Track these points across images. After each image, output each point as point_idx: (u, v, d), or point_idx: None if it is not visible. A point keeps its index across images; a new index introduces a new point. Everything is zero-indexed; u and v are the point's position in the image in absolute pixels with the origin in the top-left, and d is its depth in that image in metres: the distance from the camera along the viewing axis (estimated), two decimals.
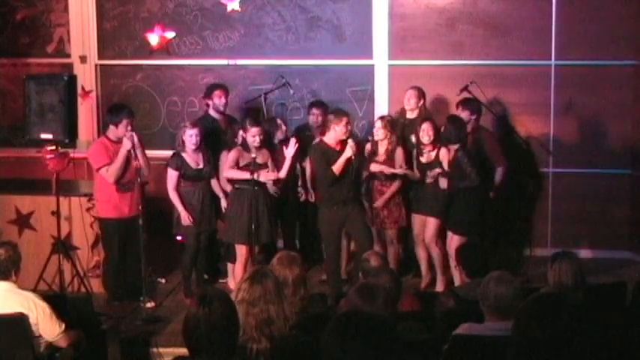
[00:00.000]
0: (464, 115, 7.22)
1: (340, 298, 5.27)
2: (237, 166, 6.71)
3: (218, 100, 7.52)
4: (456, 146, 6.81)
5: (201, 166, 6.85)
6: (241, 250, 6.77)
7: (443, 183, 6.80)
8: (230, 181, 6.86)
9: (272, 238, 6.94)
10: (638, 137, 8.06)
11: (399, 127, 7.43)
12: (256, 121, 6.95)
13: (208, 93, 7.63)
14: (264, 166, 6.74)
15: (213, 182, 7.00)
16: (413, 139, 7.18)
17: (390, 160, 7.03)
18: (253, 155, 6.64)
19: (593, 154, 8.17)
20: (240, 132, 6.86)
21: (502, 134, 7.91)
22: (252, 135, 6.67)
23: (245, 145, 6.75)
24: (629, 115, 8.10)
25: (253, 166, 6.61)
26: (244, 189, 6.70)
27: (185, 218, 6.74)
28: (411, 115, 7.47)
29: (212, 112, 7.56)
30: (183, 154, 6.79)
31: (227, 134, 7.31)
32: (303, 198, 7.40)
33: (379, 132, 7.02)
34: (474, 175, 6.71)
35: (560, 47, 8.09)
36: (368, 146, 7.16)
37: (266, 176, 6.70)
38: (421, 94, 7.48)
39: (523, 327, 2.52)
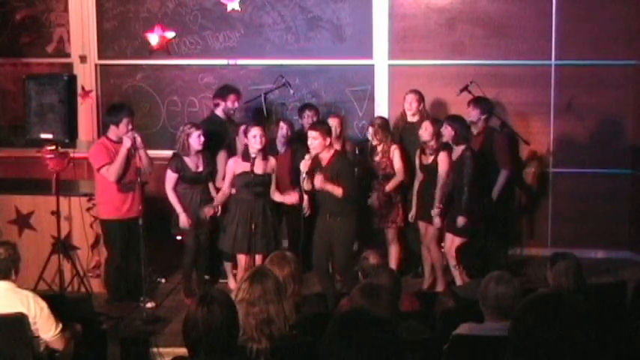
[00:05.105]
0: (474, 113, 7.12)
1: (340, 298, 5.26)
2: (234, 176, 6.53)
3: (232, 104, 7.43)
4: (462, 146, 6.69)
5: (200, 169, 6.82)
6: (240, 260, 6.63)
7: (437, 221, 6.81)
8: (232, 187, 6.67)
9: (267, 249, 6.40)
10: (639, 137, 8.06)
11: (399, 130, 7.46)
12: (258, 121, 6.83)
13: (222, 94, 7.48)
14: (265, 177, 6.47)
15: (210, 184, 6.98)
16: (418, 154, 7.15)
17: (387, 160, 7.07)
18: (258, 170, 6.45)
19: (593, 154, 8.17)
20: (240, 137, 6.71)
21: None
22: (253, 135, 6.38)
23: (246, 154, 6.46)
24: (630, 115, 8.10)
25: (253, 180, 6.38)
26: (243, 198, 6.51)
27: (184, 221, 6.72)
28: (412, 118, 7.45)
29: (219, 113, 7.46)
30: (184, 157, 6.77)
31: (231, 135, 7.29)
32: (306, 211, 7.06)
33: (372, 139, 7.11)
34: (467, 186, 6.60)
35: (560, 47, 8.09)
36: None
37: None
38: (421, 97, 7.45)
39: (521, 327, 2.51)
